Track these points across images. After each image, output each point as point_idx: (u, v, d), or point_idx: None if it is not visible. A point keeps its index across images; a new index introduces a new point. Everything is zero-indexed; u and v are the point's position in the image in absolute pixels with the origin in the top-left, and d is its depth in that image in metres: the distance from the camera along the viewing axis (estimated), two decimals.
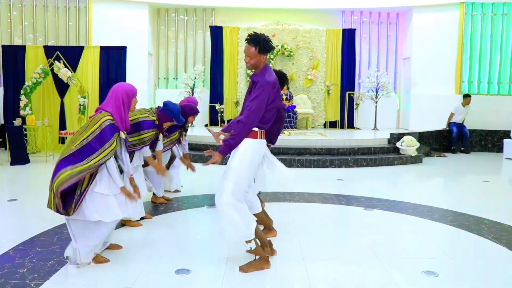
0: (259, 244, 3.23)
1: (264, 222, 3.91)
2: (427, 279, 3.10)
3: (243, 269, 3.17)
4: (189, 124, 5.40)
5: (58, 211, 3.11)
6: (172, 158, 5.33)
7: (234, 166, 3.10)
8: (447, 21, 10.58)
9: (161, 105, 4.35)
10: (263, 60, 3.18)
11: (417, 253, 3.65)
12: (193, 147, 8.23)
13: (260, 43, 3.12)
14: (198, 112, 4.96)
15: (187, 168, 4.95)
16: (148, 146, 4.16)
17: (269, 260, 3.24)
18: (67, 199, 3.08)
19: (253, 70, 3.22)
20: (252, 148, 3.12)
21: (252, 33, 3.20)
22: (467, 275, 3.23)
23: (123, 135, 3.21)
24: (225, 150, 3.12)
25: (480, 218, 4.66)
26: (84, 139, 3.08)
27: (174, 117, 4.22)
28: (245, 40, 3.19)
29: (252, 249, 3.35)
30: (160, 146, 4.45)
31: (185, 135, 5.29)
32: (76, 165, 3.03)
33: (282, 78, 4.00)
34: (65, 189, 3.02)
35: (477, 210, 4.94)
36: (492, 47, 10.63)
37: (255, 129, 3.13)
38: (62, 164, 3.07)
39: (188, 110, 4.80)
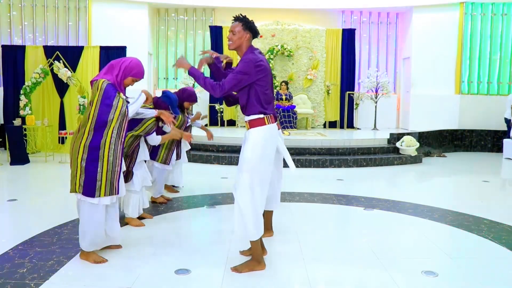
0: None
1: (265, 221, 3.90)
2: (426, 279, 3.10)
3: (237, 269, 3.16)
4: (190, 110, 5.42)
5: (86, 192, 3.12)
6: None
7: (247, 157, 3.01)
8: (447, 21, 10.59)
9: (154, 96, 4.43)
10: (246, 39, 3.10)
11: (416, 253, 3.65)
12: (193, 147, 8.23)
13: (245, 20, 3.11)
14: (196, 100, 4.98)
15: (210, 136, 5.35)
16: (154, 134, 4.11)
17: (263, 262, 3.21)
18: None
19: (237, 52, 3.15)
20: (262, 136, 3.02)
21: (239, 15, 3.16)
22: (466, 275, 3.23)
23: (122, 96, 3.22)
24: (192, 71, 3.11)
25: (479, 218, 4.66)
26: (92, 112, 3.12)
27: (171, 105, 4.25)
28: (236, 20, 3.16)
29: (245, 250, 3.36)
30: (168, 129, 4.42)
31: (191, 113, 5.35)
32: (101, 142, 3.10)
33: None
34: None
35: (477, 210, 4.95)
36: (492, 47, 10.63)
37: (261, 115, 3.04)
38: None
39: (186, 95, 4.85)
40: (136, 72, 3.32)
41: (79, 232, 3.28)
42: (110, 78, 3.21)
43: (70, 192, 3.21)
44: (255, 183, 3.02)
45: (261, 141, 3.03)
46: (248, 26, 3.10)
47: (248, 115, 3.08)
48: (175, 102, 4.32)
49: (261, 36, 11.08)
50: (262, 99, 3.05)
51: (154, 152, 4.78)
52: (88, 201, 3.16)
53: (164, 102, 4.28)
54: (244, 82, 3.01)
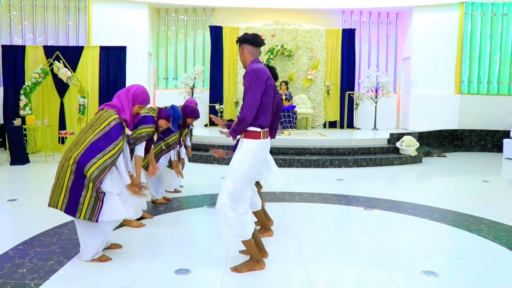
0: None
1: (262, 221, 3.91)
2: (426, 279, 3.10)
3: (237, 269, 3.17)
4: (191, 126, 5.39)
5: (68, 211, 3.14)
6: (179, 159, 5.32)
7: (235, 167, 3.08)
8: (447, 21, 10.59)
9: (161, 106, 4.39)
10: (246, 52, 3.18)
11: (416, 253, 3.65)
12: (193, 147, 8.20)
13: (238, 38, 3.22)
14: (199, 116, 4.94)
15: (177, 175, 5.13)
16: (143, 144, 4.08)
17: (262, 262, 3.22)
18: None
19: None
20: (254, 149, 3.08)
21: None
22: (466, 275, 3.23)
23: (128, 131, 3.25)
24: (233, 134, 3.13)
25: (479, 218, 4.66)
26: (91, 137, 3.14)
27: (173, 120, 4.21)
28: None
29: (245, 250, 3.36)
30: (141, 151, 4.15)
31: (190, 134, 5.30)
32: (88, 164, 3.10)
33: (270, 70, 4.01)
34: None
35: (477, 210, 4.95)
36: (492, 47, 10.63)
37: (258, 129, 3.08)
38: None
39: (189, 111, 4.81)
40: (142, 100, 3.35)
41: (82, 247, 3.29)
42: (122, 111, 3.24)
43: (48, 206, 3.20)
44: (238, 190, 3.07)
45: (252, 154, 3.08)
46: (240, 40, 3.21)
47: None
48: (178, 119, 4.27)
49: (261, 36, 11.06)
50: (264, 112, 3.09)
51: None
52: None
53: (168, 113, 4.24)
54: (258, 93, 3.03)
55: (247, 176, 3.10)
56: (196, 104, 5.37)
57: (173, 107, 4.30)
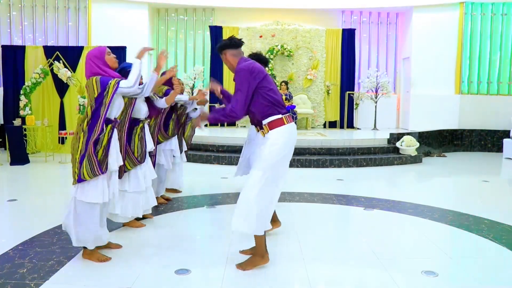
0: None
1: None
2: (426, 279, 3.10)
3: (242, 266, 3.18)
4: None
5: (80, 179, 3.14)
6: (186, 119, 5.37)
7: (264, 155, 3.02)
8: (447, 21, 10.59)
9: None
10: (229, 56, 3.19)
11: (416, 253, 3.65)
12: (193, 147, 8.22)
13: (217, 47, 3.26)
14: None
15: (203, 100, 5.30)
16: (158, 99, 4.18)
17: (266, 257, 3.21)
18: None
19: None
20: (282, 136, 3.04)
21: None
22: (467, 275, 3.23)
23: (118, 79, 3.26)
24: (212, 117, 3.17)
25: (480, 218, 4.66)
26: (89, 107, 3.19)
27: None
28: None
29: (246, 249, 3.39)
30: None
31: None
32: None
33: (259, 56, 4.04)
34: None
35: (477, 210, 4.95)
36: (492, 47, 10.63)
37: (279, 115, 3.05)
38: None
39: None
40: (99, 52, 3.31)
41: (80, 234, 3.26)
42: (97, 72, 3.24)
43: (73, 184, 3.21)
44: (268, 181, 3.04)
45: (281, 141, 3.04)
46: (219, 48, 3.22)
47: (265, 118, 3.09)
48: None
49: (260, 36, 11.08)
50: (273, 100, 3.07)
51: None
52: (84, 200, 3.18)
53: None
54: (250, 91, 3.04)
55: (278, 163, 3.05)
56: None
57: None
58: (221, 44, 3.21)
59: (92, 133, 3.13)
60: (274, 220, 3.91)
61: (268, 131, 3.08)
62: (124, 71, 3.95)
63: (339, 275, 3.17)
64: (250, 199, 3.03)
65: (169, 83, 4.73)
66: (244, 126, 11.18)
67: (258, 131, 3.41)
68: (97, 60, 3.26)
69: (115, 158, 3.32)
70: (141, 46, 3.46)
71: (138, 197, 4.00)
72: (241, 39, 3.25)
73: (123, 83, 3.21)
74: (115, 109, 3.29)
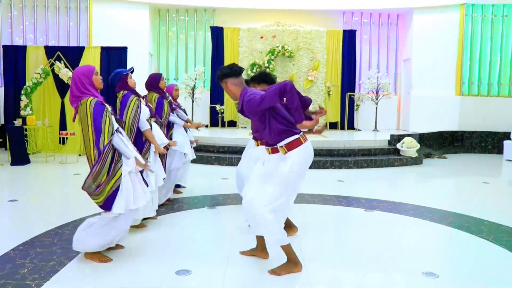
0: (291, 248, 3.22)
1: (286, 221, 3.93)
2: (427, 280, 3.10)
3: (275, 272, 3.17)
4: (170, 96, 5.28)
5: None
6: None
7: (283, 173, 3.06)
8: (448, 23, 10.59)
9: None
10: (231, 87, 3.13)
11: (417, 254, 3.65)
12: (194, 147, 8.23)
13: (218, 77, 3.18)
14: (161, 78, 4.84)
15: (197, 128, 5.34)
16: (144, 119, 4.05)
17: (299, 264, 3.22)
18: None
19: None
20: (303, 156, 3.10)
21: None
22: (467, 276, 3.23)
23: (109, 107, 3.27)
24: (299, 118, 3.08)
25: (480, 219, 4.67)
26: (85, 135, 3.17)
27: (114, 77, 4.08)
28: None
29: (246, 250, 3.43)
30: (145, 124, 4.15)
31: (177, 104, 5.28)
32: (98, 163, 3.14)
33: (267, 76, 3.99)
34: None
35: (477, 212, 4.95)
36: (492, 48, 10.64)
37: (296, 136, 3.07)
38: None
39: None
40: (87, 71, 3.27)
41: (92, 235, 3.28)
42: (82, 91, 3.21)
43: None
44: (282, 196, 3.11)
45: (303, 159, 3.11)
46: (220, 77, 3.15)
47: (281, 141, 3.09)
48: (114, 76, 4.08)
49: (261, 37, 11.09)
50: (287, 122, 3.09)
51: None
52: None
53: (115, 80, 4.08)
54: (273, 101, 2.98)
55: (295, 181, 3.16)
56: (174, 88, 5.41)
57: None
58: (222, 73, 3.15)
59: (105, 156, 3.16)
60: (291, 226, 3.94)
61: (286, 152, 3.09)
62: (116, 78, 4.00)
63: (339, 276, 3.17)
64: (269, 215, 3.05)
65: (159, 89, 4.75)
66: (245, 127, 11.18)
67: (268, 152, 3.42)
68: (84, 78, 3.22)
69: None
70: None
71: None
72: (241, 67, 3.20)
73: (115, 140, 3.20)
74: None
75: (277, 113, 3.06)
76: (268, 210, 3.05)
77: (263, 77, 3.98)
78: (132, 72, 4.10)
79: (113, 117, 3.28)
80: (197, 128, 5.43)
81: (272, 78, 4.05)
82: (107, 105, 3.25)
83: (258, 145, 4.22)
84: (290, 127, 3.09)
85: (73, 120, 3.30)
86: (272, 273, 3.17)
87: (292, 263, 3.20)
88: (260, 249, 3.46)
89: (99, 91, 3.32)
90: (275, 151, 3.17)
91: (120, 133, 3.31)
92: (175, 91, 5.35)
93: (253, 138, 4.37)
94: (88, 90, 3.22)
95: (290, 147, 3.08)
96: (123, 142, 3.27)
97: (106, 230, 3.27)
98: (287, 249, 3.18)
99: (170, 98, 5.05)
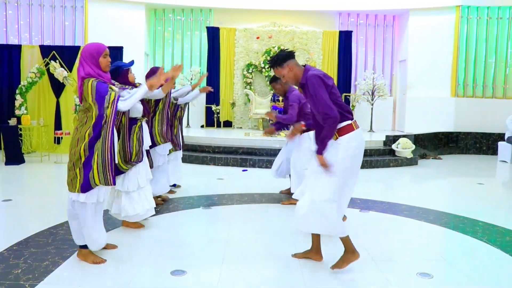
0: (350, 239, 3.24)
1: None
2: (422, 280, 3.11)
3: (338, 266, 3.20)
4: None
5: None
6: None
7: (336, 161, 3.03)
8: (443, 24, 10.63)
9: None
10: (294, 68, 3.14)
11: (412, 255, 3.66)
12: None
13: (277, 58, 3.16)
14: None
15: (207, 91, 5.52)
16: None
17: (356, 252, 3.22)
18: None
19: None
20: (355, 142, 3.06)
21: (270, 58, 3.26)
22: (461, 277, 3.24)
23: (115, 88, 3.22)
24: (321, 149, 3.03)
25: (474, 220, 4.69)
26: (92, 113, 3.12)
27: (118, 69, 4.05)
28: (270, 67, 3.28)
29: (299, 253, 3.48)
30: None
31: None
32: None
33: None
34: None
35: (472, 212, 4.97)
36: (488, 50, 10.69)
37: (349, 121, 3.07)
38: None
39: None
40: (95, 50, 3.21)
41: (86, 237, 3.27)
42: (89, 72, 3.16)
43: (69, 191, 3.18)
44: (339, 185, 3.09)
45: (354, 145, 3.07)
46: (281, 60, 3.15)
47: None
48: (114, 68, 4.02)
49: (257, 38, 11.09)
50: (342, 107, 3.08)
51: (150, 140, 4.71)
52: (87, 201, 3.17)
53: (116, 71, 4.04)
54: (326, 94, 3.01)
55: (350, 168, 3.09)
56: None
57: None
58: (281, 56, 3.14)
59: (98, 138, 3.12)
60: (353, 252, 3.80)
61: (338, 137, 3.07)
62: (116, 72, 3.96)
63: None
64: (331, 205, 3.06)
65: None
66: (241, 127, 11.18)
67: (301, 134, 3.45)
68: (91, 58, 3.16)
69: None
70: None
71: (136, 196, 3.99)
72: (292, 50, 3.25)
73: (121, 104, 3.18)
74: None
75: (331, 98, 3.04)
76: (326, 202, 3.05)
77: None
78: (131, 65, 4.10)
79: (123, 93, 3.23)
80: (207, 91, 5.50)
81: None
82: (112, 86, 3.19)
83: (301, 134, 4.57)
84: (345, 112, 3.07)
85: (80, 101, 3.22)
86: (335, 267, 3.21)
87: (350, 253, 3.22)
88: (314, 251, 3.44)
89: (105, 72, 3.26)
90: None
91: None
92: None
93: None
94: (97, 73, 3.16)
95: (341, 132, 3.06)
96: (130, 97, 3.24)
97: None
98: (346, 240, 3.20)
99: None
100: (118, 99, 3.16)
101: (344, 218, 4.00)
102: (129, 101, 3.24)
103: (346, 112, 3.10)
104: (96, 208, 3.28)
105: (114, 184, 3.22)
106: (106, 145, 3.14)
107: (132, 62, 4.06)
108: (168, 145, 4.93)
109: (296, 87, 3.67)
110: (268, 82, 11.01)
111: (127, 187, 3.93)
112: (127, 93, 3.39)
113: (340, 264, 3.21)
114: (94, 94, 3.09)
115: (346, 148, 3.04)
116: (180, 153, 5.51)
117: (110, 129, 3.15)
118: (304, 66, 3.19)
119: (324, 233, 3.26)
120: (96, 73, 3.17)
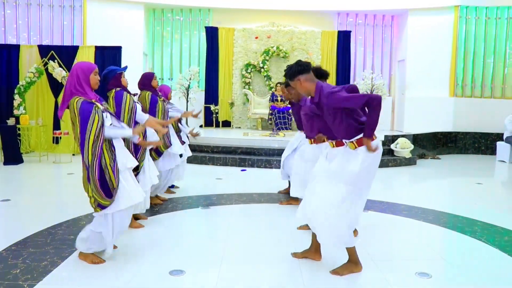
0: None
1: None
2: (420, 280, 3.11)
3: (337, 272, 3.19)
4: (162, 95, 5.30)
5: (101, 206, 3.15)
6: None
7: (353, 170, 3.03)
8: (442, 24, 10.64)
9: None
10: (306, 83, 3.10)
11: (410, 255, 3.67)
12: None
13: (289, 74, 3.14)
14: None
15: (195, 115, 5.18)
16: (140, 111, 4.02)
17: (359, 264, 3.23)
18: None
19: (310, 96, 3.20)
20: (371, 153, 3.03)
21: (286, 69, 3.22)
22: (460, 276, 3.25)
23: (101, 106, 3.19)
24: (370, 133, 2.98)
25: (473, 220, 4.69)
26: (77, 131, 3.13)
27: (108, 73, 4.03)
28: (286, 79, 3.24)
29: (298, 252, 3.49)
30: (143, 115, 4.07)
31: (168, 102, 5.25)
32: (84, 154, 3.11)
33: (320, 70, 3.85)
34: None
35: (470, 212, 4.98)
36: (486, 50, 10.71)
37: None
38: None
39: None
40: (87, 68, 3.22)
41: (91, 238, 3.26)
42: (76, 88, 3.15)
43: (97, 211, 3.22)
44: (354, 195, 3.08)
45: (371, 156, 3.06)
46: (291, 75, 3.12)
47: (353, 137, 3.07)
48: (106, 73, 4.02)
49: (256, 37, 11.09)
50: (362, 120, 3.09)
51: (155, 150, 4.72)
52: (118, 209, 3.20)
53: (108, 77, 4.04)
54: (346, 93, 3.02)
55: (366, 177, 3.11)
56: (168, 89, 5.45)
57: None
58: (293, 70, 3.11)
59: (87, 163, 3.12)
60: (357, 263, 3.61)
61: (357, 147, 3.07)
62: (110, 74, 3.95)
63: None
64: (340, 215, 3.05)
65: (151, 88, 4.71)
66: (239, 127, 11.18)
67: (332, 146, 3.45)
68: (81, 74, 3.17)
69: (123, 157, 3.31)
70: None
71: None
72: (308, 62, 3.19)
73: (106, 132, 3.16)
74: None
75: (352, 110, 3.05)
76: (336, 211, 3.03)
77: (320, 73, 3.79)
78: (125, 70, 4.08)
79: (105, 114, 3.20)
80: (194, 116, 5.24)
81: (326, 72, 3.98)
82: (98, 104, 3.17)
83: (311, 143, 4.45)
84: (362, 124, 3.06)
85: (59, 116, 3.19)
86: (334, 273, 3.19)
87: (353, 263, 3.22)
88: (314, 251, 3.45)
89: (93, 90, 3.28)
90: (339, 144, 3.23)
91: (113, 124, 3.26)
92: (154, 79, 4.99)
93: (307, 137, 4.54)
94: (82, 87, 3.16)
95: (360, 142, 3.04)
96: (114, 129, 3.22)
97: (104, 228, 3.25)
98: (351, 250, 3.20)
99: (163, 97, 5.02)
100: (103, 126, 3.14)
101: (355, 232, 3.89)
102: (110, 134, 3.21)
103: (363, 124, 3.10)
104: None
105: (110, 198, 3.17)
106: (94, 168, 3.12)
107: (125, 68, 4.04)
108: (176, 148, 4.97)
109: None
110: (266, 82, 11.09)
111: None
112: (117, 124, 3.32)
113: (341, 271, 3.20)
114: (78, 115, 3.07)
115: (364, 159, 3.04)
116: (184, 155, 5.49)
117: (98, 153, 3.11)
118: (317, 81, 3.13)
119: (329, 244, 3.22)
120: (82, 91, 3.15)
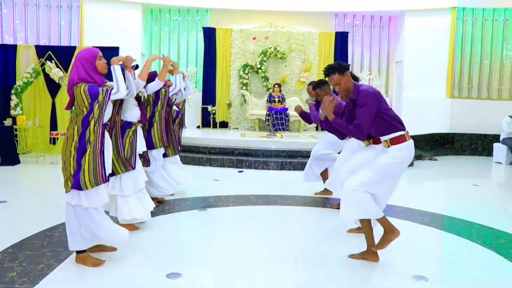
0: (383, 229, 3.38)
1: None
2: (417, 283, 3.12)
3: (378, 247, 3.37)
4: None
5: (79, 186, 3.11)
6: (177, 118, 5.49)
7: (382, 164, 3.24)
8: (439, 26, 10.67)
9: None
10: (349, 80, 3.36)
11: (407, 257, 3.67)
12: (185, 148, 8.22)
13: (340, 68, 3.36)
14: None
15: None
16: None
17: (377, 255, 3.41)
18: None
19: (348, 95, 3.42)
20: (406, 152, 3.27)
21: (327, 66, 3.46)
22: (457, 279, 3.26)
23: (108, 84, 3.20)
24: (330, 121, 3.48)
25: (470, 222, 4.70)
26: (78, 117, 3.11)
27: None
28: (325, 76, 3.50)
29: (354, 229, 3.79)
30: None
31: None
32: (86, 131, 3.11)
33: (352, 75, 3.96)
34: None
35: (467, 214, 4.99)
36: (483, 52, 10.74)
37: (401, 132, 3.27)
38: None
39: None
40: (90, 55, 3.22)
41: (107, 235, 3.28)
42: (84, 77, 3.15)
43: (65, 192, 3.17)
44: (373, 185, 3.26)
45: (404, 155, 3.26)
46: (343, 69, 3.37)
47: (384, 135, 3.32)
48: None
49: (254, 38, 11.09)
50: (392, 119, 3.28)
51: (149, 141, 4.72)
52: (91, 206, 3.16)
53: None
54: (374, 113, 3.25)
55: (393, 174, 3.31)
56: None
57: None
58: (344, 66, 3.37)
59: (84, 140, 3.09)
60: (392, 230, 3.44)
61: (390, 145, 3.28)
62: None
63: (330, 278, 3.18)
64: (360, 191, 3.24)
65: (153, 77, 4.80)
66: (237, 128, 11.18)
67: (368, 144, 3.65)
68: (86, 63, 3.16)
69: (108, 162, 3.31)
70: (126, 53, 3.37)
71: (132, 200, 3.98)
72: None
73: (114, 93, 3.18)
74: (106, 115, 3.26)
75: (381, 111, 3.27)
76: (361, 190, 3.22)
77: (353, 77, 3.89)
78: (136, 69, 4.11)
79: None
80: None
81: (356, 76, 4.18)
82: (105, 84, 3.19)
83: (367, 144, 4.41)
84: (394, 123, 3.27)
85: (67, 108, 3.20)
86: (376, 248, 3.36)
87: (390, 232, 3.33)
88: (371, 252, 3.47)
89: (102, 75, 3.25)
90: (376, 142, 3.44)
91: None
92: None
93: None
94: (91, 77, 3.15)
95: (394, 141, 3.25)
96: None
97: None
98: (383, 220, 3.33)
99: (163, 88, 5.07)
100: (111, 90, 3.16)
101: (397, 232, 3.76)
102: (117, 86, 3.21)
103: (398, 123, 3.29)
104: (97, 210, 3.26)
105: (105, 181, 3.18)
106: (96, 147, 3.12)
107: (134, 66, 4.07)
108: (162, 150, 4.97)
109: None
110: (264, 83, 11.09)
111: (122, 190, 3.93)
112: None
113: (382, 244, 3.33)
114: (89, 98, 3.08)
115: (396, 156, 3.23)
116: (177, 157, 5.53)
117: (100, 130, 3.12)
118: (355, 84, 3.37)
119: (360, 217, 3.40)
120: (90, 78, 3.16)
